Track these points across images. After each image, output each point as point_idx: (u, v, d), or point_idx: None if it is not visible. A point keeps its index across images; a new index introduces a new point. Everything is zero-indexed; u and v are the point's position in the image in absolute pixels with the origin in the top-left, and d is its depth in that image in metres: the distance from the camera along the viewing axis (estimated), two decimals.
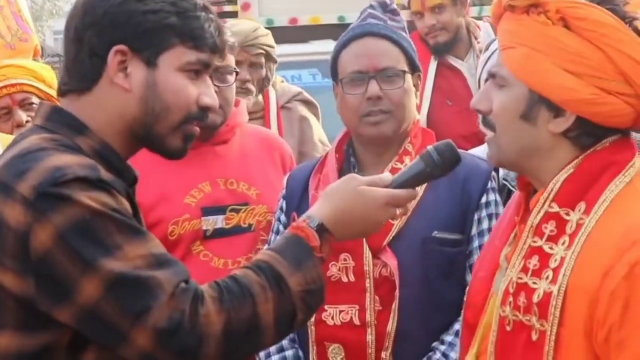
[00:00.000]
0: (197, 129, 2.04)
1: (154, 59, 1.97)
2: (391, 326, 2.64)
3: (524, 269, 1.95)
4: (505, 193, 2.99)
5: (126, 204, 1.91)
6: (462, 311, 2.21)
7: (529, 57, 1.95)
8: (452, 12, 4.87)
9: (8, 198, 1.84)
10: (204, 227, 3.03)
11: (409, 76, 2.79)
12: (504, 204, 2.85)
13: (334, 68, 2.84)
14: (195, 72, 2.01)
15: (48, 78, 3.80)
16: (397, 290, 2.64)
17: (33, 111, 3.63)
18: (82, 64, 1.99)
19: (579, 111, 1.94)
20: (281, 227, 2.92)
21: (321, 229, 2.03)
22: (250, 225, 3.06)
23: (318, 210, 2.06)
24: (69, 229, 1.81)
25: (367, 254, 2.66)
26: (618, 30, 1.93)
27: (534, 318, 1.91)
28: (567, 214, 1.94)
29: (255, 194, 3.09)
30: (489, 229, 2.74)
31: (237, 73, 3.17)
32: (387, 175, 2.12)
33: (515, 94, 1.98)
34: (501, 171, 2.98)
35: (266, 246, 2.92)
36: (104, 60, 1.97)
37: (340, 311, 2.66)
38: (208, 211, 3.05)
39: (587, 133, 1.96)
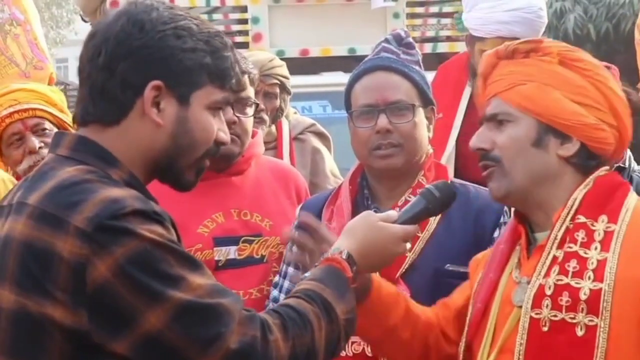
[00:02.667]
0: (208, 162, 2.08)
1: (187, 97, 1.98)
2: None
3: (563, 272, 2.18)
4: None
5: (175, 235, 1.92)
6: (462, 342, 2.37)
7: (541, 90, 2.24)
8: None
9: (59, 230, 1.83)
10: (217, 258, 3.03)
11: (420, 110, 2.80)
12: None
13: (347, 101, 2.86)
14: (217, 109, 2.04)
15: (59, 102, 3.72)
16: None
17: (46, 137, 3.56)
18: (112, 95, 1.96)
19: (584, 136, 2.25)
20: None
21: (351, 261, 2.13)
22: (262, 256, 3.07)
23: (345, 243, 2.16)
24: (131, 261, 1.81)
25: None
26: (605, 71, 2.30)
27: (581, 315, 2.14)
28: (592, 225, 2.21)
29: (269, 226, 3.09)
30: None
31: (257, 105, 3.19)
32: (392, 213, 2.27)
33: (524, 125, 2.26)
34: None
35: (293, 275, 2.94)
36: (137, 94, 1.96)
37: (353, 342, 2.66)
38: (220, 241, 3.05)
39: (588, 157, 2.26)
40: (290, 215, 3.05)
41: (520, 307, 2.21)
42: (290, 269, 2.93)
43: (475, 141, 2.31)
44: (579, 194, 2.24)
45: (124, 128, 1.98)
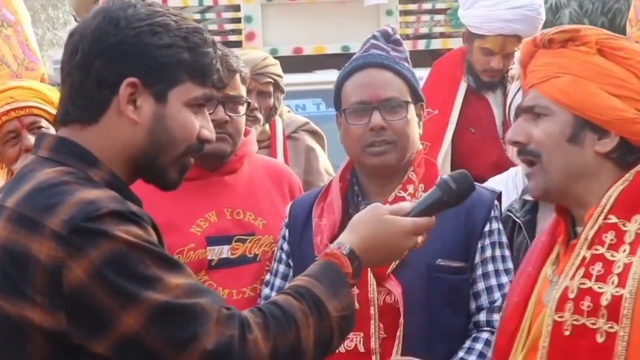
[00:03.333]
0: (193, 160, 2.06)
1: (165, 94, 1.97)
2: (396, 354, 2.64)
3: (587, 275, 2.08)
4: (510, 224, 3.01)
5: (154, 235, 1.91)
6: (494, 338, 2.31)
7: (576, 83, 2.13)
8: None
9: (35, 233, 1.82)
10: (209, 257, 3.03)
11: (412, 106, 2.80)
12: (509, 235, 2.88)
13: (337, 98, 2.86)
14: (199, 106, 2.02)
15: (56, 100, 3.60)
16: (401, 318, 2.65)
17: None
18: (89, 93, 1.95)
19: (623, 131, 2.12)
20: (284, 256, 2.93)
21: (352, 256, 2.06)
22: (256, 255, 3.06)
23: (348, 237, 2.10)
24: (106, 263, 1.80)
25: (372, 281, 2.67)
26: None
27: (601, 321, 2.04)
28: (624, 225, 2.09)
29: (262, 224, 3.09)
30: (492, 257, 2.77)
31: (249, 104, 3.18)
32: (406, 204, 2.18)
33: (560, 120, 2.14)
34: (504, 202, 3.01)
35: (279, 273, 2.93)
36: (113, 91, 1.94)
37: (345, 338, 2.67)
38: (213, 241, 3.05)
39: (629, 152, 2.13)
40: (283, 213, 3.03)
41: None
42: (282, 267, 2.93)
43: (511, 134, 2.21)
44: (615, 191, 2.12)
45: (102, 126, 1.96)
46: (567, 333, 2.08)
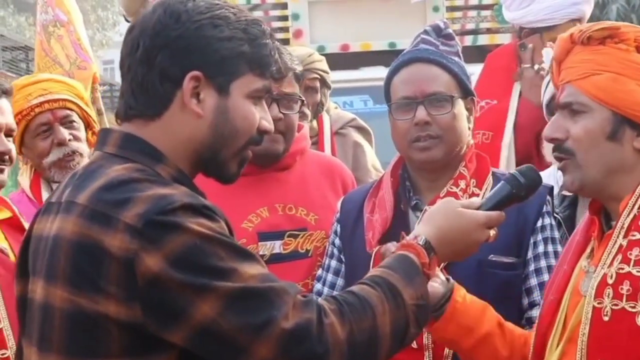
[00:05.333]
0: (251, 153, 2.07)
1: (227, 86, 1.98)
2: (448, 349, 2.64)
3: (625, 260, 2.11)
4: None
5: (226, 229, 1.92)
6: (534, 333, 2.31)
7: (616, 80, 2.15)
8: None
9: (109, 227, 1.84)
10: (261, 252, 3.03)
11: (459, 101, 2.79)
12: None
13: (386, 94, 2.86)
14: (258, 97, 2.03)
15: (85, 95, 3.70)
16: None
17: (74, 129, 3.53)
18: (152, 87, 1.96)
19: None
20: (335, 251, 2.93)
21: (428, 247, 2.10)
22: (307, 250, 3.08)
23: (423, 229, 2.14)
24: (179, 255, 1.81)
25: None
26: None
27: None
28: None
29: (314, 220, 3.10)
30: (545, 253, 2.75)
31: (302, 101, 3.18)
32: (476, 199, 2.24)
33: (599, 117, 2.17)
34: None
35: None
36: (176, 85, 1.96)
37: (422, 329, 2.66)
38: (265, 236, 3.06)
39: None
40: (335, 208, 3.02)
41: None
42: (334, 262, 2.95)
43: (548, 131, 2.23)
44: None
45: (166, 121, 1.98)
46: (606, 318, 2.11)
